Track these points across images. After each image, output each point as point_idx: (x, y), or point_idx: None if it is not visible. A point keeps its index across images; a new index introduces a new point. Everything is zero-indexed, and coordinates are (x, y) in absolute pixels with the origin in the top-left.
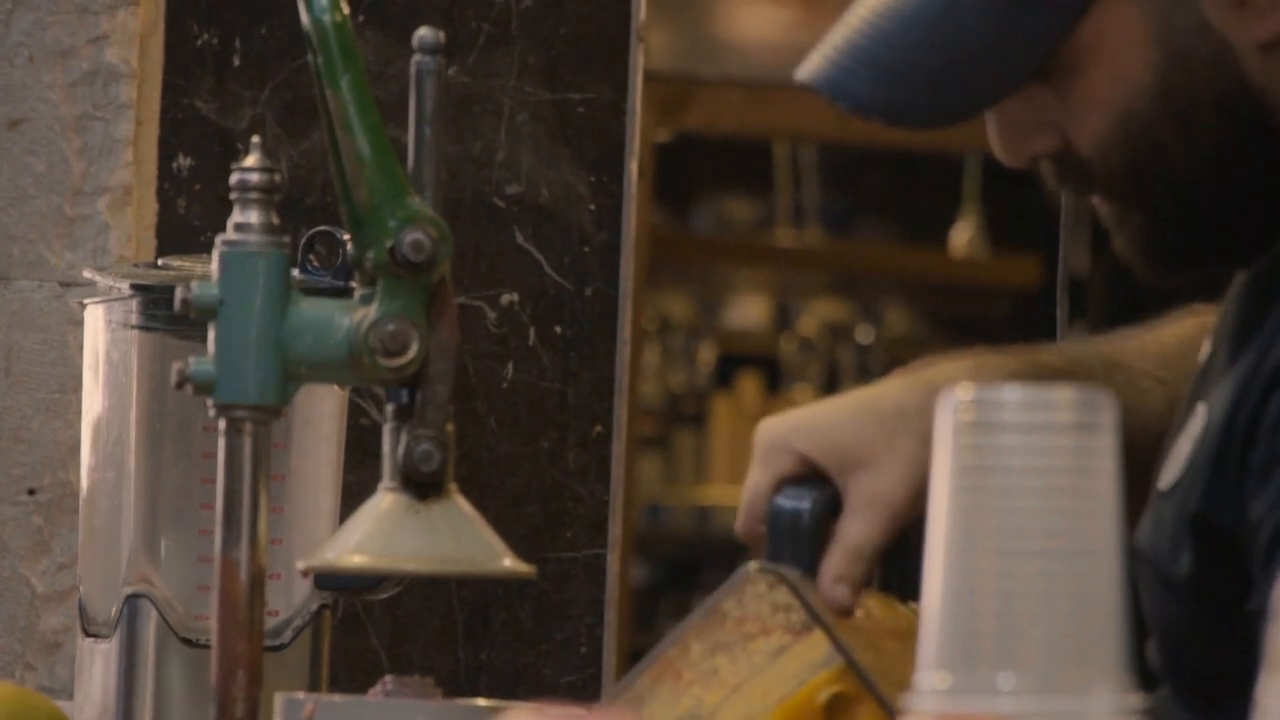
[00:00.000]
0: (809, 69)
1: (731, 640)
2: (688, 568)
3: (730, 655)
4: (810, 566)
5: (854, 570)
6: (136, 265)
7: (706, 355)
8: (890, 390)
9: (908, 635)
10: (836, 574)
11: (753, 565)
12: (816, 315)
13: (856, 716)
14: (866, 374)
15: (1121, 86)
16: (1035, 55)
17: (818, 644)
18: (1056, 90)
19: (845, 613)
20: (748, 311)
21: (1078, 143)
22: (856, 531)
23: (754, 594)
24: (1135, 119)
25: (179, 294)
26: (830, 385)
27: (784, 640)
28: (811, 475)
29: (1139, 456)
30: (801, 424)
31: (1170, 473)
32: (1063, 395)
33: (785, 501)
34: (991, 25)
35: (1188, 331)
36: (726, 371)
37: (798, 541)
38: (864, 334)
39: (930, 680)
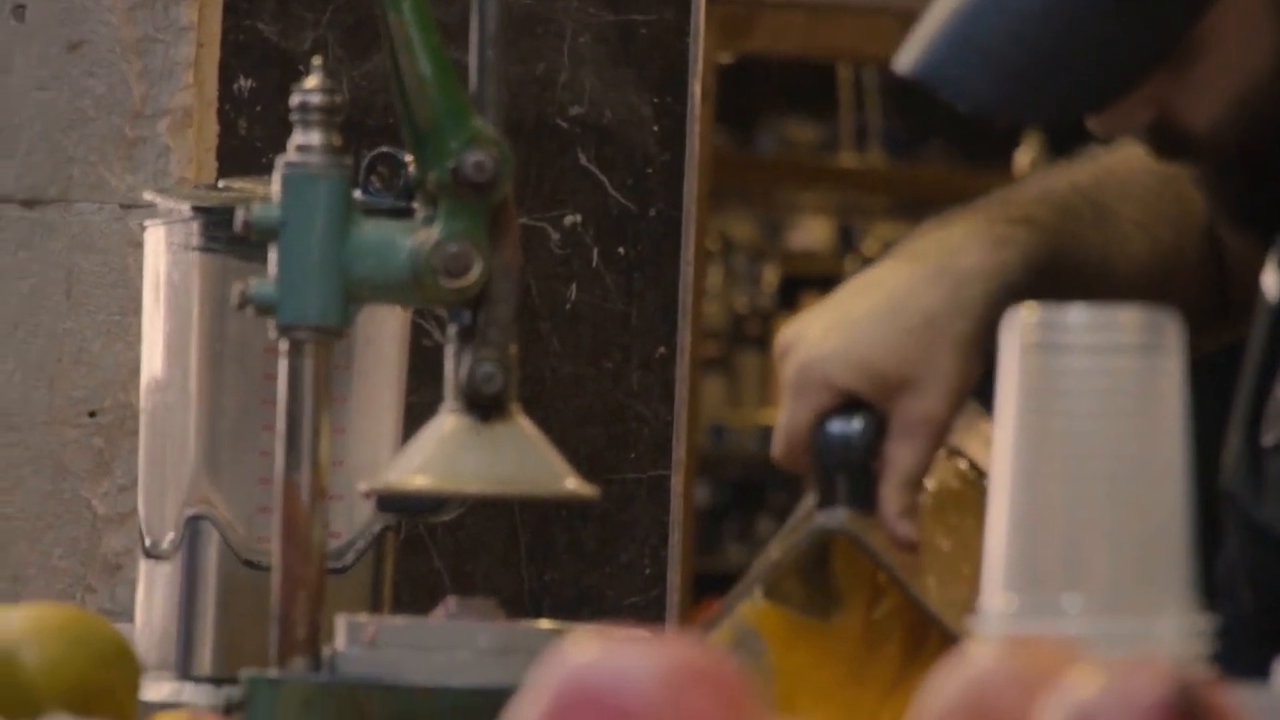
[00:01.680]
0: (912, 60)
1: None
2: (751, 489)
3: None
4: (865, 497)
5: (912, 499)
6: (197, 187)
7: (770, 277)
8: (909, 288)
9: (969, 505)
10: (898, 510)
11: (818, 517)
12: (879, 237)
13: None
14: None
15: (1242, 72)
16: (1165, 47)
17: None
18: (1170, 72)
19: (913, 547)
20: (811, 234)
21: (1187, 120)
22: (907, 458)
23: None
24: (1253, 100)
25: (240, 215)
26: None
27: None
28: (850, 403)
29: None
30: (834, 352)
31: (1277, 429)
32: (1128, 316)
33: (832, 436)
34: (1117, 18)
35: (1148, 165)
36: (790, 293)
37: (851, 475)
38: None
39: (996, 602)
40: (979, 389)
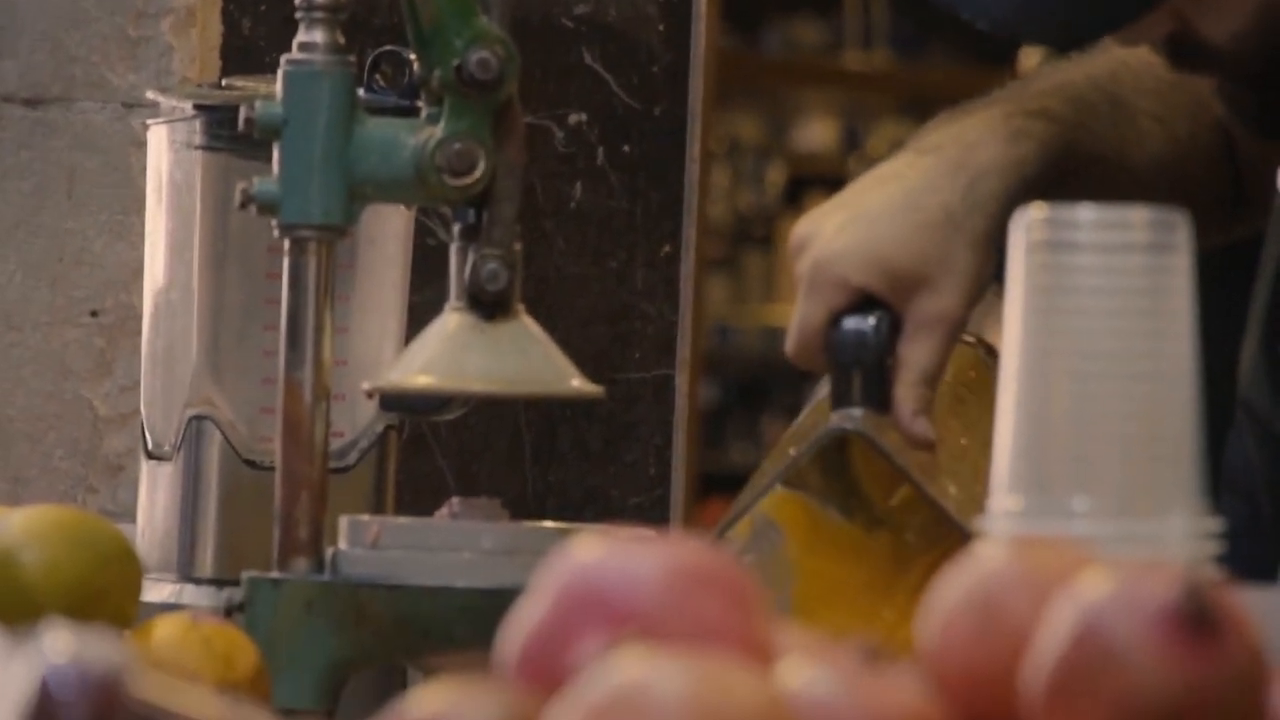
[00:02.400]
0: None
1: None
2: (755, 389)
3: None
4: (880, 395)
5: (927, 397)
6: (200, 86)
7: (775, 177)
8: (926, 183)
9: (987, 394)
10: (913, 409)
11: (833, 419)
12: (885, 137)
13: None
14: None
15: None
16: None
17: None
18: None
19: (929, 446)
20: (816, 133)
21: (1206, 33)
22: (922, 356)
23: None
24: (1272, 13)
25: (243, 114)
26: None
27: None
28: (864, 301)
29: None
30: (849, 249)
31: None
32: (1137, 215)
33: (846, 334)
34: None
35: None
36: (795, 193)
37: (866, 375)
38: None
39: (1004, 503)
40: (998, 274)
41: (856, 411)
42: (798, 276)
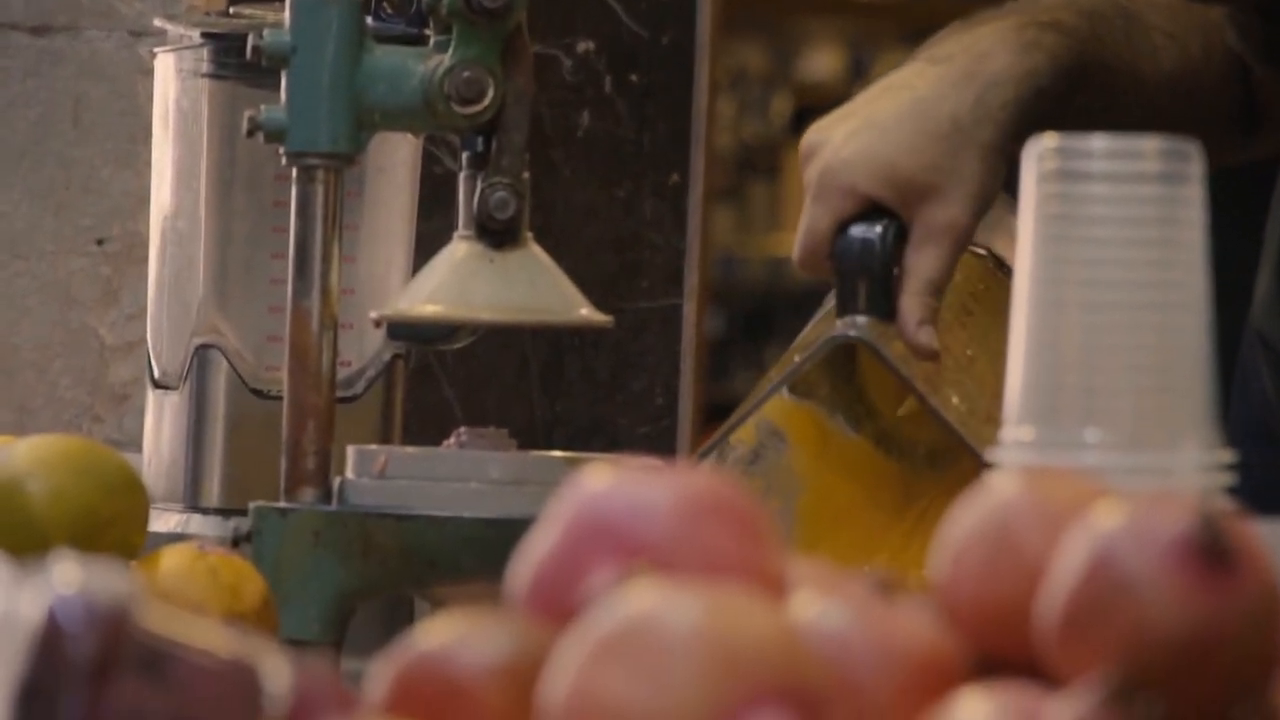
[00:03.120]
0: None
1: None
2: (761, 318)
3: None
4: (885, 303)
5: (932, 307)
6: (208, 13)
7: (781, 106)
8: (936, 92)
9: (993, 304)
10: (918, 318)
11: (837, 326)
12: (891, 66)
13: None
14: None
15: None
16: None
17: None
18: None
19: (933, 356)
20: (822, 63)
21: None
22: (928, 265)
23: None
24: None
25: (251, 41)
26: None
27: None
28: (872, 209)
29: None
30: (858, 157)
31: None
32: (1150, 144)
33: (852, 242)
34: None
35: None
36: (801, 123)
37: (872, 283)
38: None
39: (1015, 433)
40: (1007, 184)
41: (861, 319)
42: (806, 183)
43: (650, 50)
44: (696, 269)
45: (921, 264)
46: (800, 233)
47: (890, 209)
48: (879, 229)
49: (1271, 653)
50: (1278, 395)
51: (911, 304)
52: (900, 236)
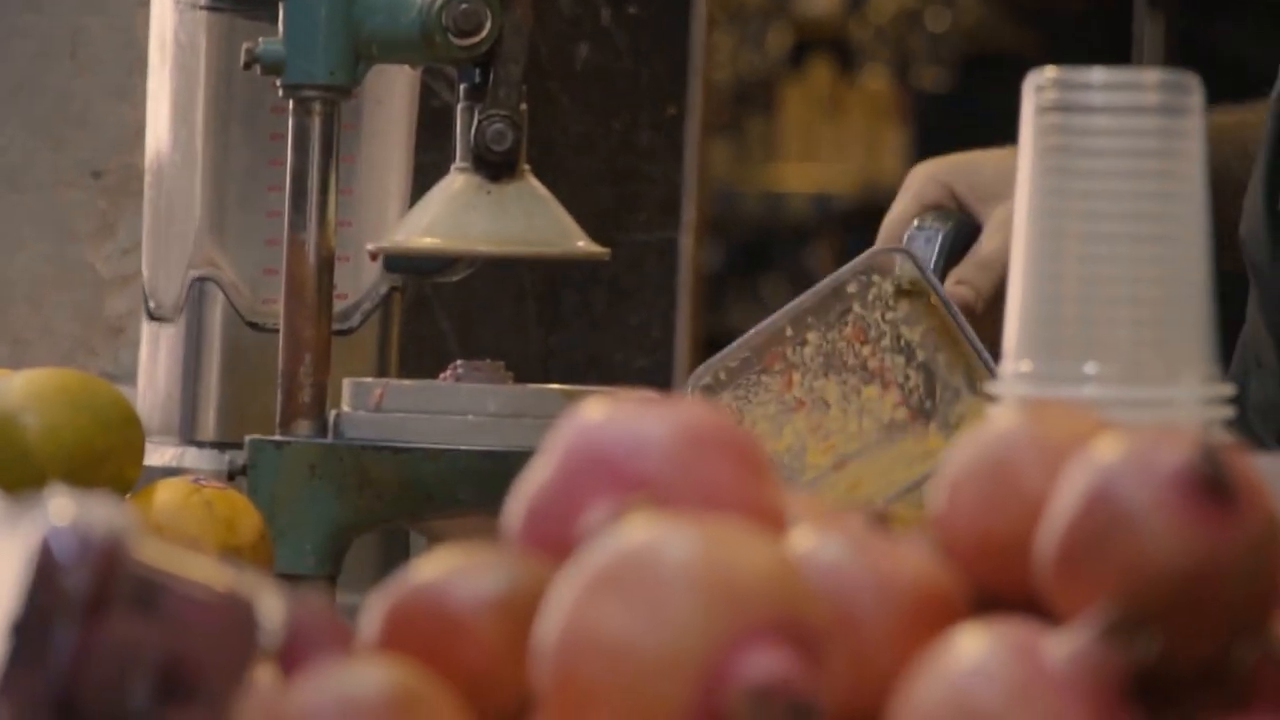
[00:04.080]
0: None
1: (847, 364)
2: (758, 252)
3: (842, 391)
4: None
5: (979, 277)
6: None
7: (778, 40)
8: None
9: None
10: (960, 277)
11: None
12: (888, 0)
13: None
14: (938, 60)
15: None
16: None
17: (928, 440)
18: None
19: (965, 309)
20: None
21: None
22: (988, 247)
23: (877, 294)
24: None
25: None
26: (901, 71)
27: (898, 415)
28: (953, 209)
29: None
30: (953, 162)
31: None
32: (1149, 77)
33: (924, 223)
34: None
35: None
36: (798, 56)
37: (930, 257)
38: (936, 20)
39: (1015, 366)
40: None
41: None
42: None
43: None
44: (693, 202)
45: (983, 246)
46: (884, 222)
47: (965, 206)
48: (947, 222)
49: (1272, 588)
50: (1262, 314)
51: (960, 269)
52: (970, 235)
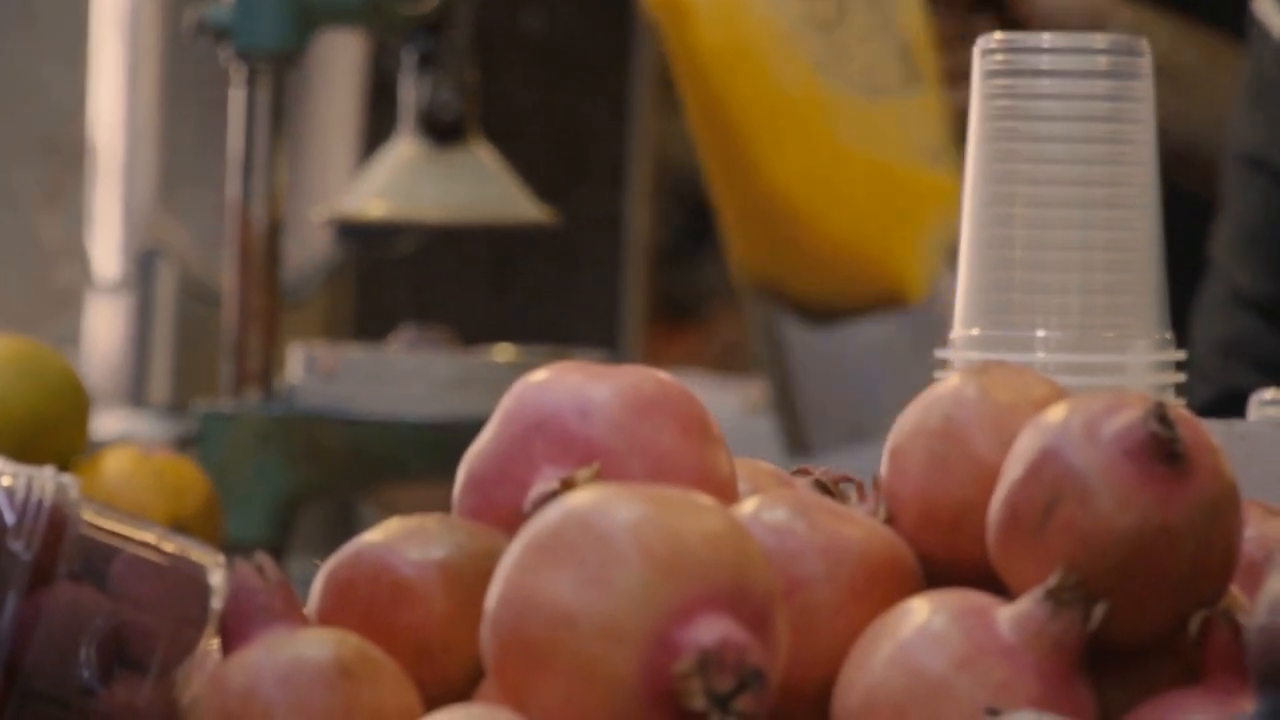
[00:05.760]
0: None
1: None
2: (705, 220)
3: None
4: None
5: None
6: None
7: None
8: None
9: None
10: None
11: None
12: None
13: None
14: None
15: None
16: None
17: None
18: None
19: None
20: None
21: None
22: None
23: None
24: None
25: None
26: None
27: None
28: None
29: None
30: None
31: None
32: (1099, 40)
33: None
34: None
35: None
36: None
37: None
38: None
39: (965, 331)
40: None
41: None
42: None
43: None
44: (641, 170)
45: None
46: None
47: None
48: None
49: (1227, 555)
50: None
51: None
52: None
